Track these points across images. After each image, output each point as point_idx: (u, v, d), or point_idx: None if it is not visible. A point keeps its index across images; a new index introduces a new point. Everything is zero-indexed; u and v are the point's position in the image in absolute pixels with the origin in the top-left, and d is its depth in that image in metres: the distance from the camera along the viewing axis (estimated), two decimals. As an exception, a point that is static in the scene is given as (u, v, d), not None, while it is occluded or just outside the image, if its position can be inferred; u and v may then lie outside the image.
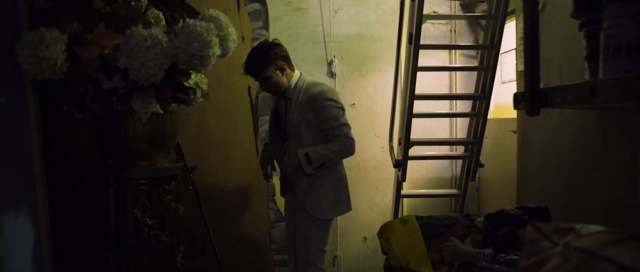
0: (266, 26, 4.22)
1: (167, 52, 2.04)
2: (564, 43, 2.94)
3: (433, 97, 3.94)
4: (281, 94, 3.01)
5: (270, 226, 4.17)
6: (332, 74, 4.32)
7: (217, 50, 2.13)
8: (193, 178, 4.03)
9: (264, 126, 4.20)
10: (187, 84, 2.29)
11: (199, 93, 2.45)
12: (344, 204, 3.12)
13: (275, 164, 3.31)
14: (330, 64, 4.32)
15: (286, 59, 2.96)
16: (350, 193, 3.22)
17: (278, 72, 2.91)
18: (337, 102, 2.95)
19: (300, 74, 3.06)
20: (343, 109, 2.97)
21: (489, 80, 3.33)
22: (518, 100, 2.05)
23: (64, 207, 2.36)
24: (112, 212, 2.26)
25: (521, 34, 3.41)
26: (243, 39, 4.21)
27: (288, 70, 2.97)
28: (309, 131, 2.93)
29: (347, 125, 2.94)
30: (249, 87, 4.18)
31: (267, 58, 2.87)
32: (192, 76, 2.56)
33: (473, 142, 3.53)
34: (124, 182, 2.32)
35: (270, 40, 3.10)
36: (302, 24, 4.30)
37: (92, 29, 2.13)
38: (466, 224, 2.53)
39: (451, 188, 4.44)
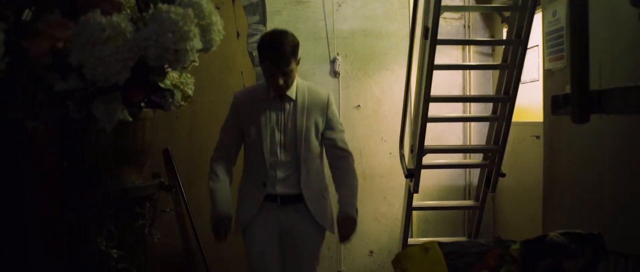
0: (263, 21, 3.83)
1: (133, 45, 1.60)
2: (605, 37, 2.51)
3: (452, 100, 3.50)
4: (281, 93, 2.54)
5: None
6: (335, 73, 3.89)
7: (197, 43, 1.68)
8: (183, 189, 3.63)
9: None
10: (162, 86, 1.85)
11: (178, 96, 2.01)
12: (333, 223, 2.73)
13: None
14: (333, 62, 3.89)
15: None
16: None
17: (297, 65, 2.51)
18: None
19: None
20: None
21: (514, 80, 2.89)
22: (558, 104, 1.67)
23: (15, 238, 1.91)
24: (66, 244, 1.82)
25: (549, 29, 2.98)
26: (238, 34, 3.80)
27: None
28: (316, 140, 2.58)
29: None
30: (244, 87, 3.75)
31: (294, 49, 2.45)
32: (173, 75, 2.13)
33: (494, 150, 3.09)
34: (85, 205, 1.88)
35: None
36: (302, 18, 3.88)
37: (43, 16, 1.69)
38: (499, 253, 2.09)
39: (465, 198, 4.00)
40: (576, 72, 1.42)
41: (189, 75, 2.46)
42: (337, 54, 3.90)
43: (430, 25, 2.73)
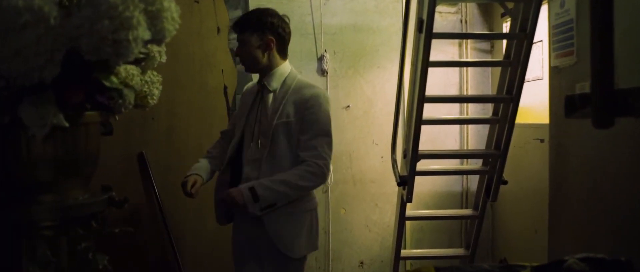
0: (246, 15, 3.49)
1: (59, 34, 1.28)
2: (624, 27, 2.19)
3: (450, 100, 3.17)
4: (259, 75, 2.35)
5: (250, 251, 3.41)
6: (323, 72, 3.58)
7: (143, 33, 1.35)
8: (159, 197, 3.30)
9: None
10: (107, 84, 1.52)
11: (131, 96, 1.67)
12: (315, 240, 2.39)
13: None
14: (320, 59, 3.58)
15: (280, 39, 2.31)
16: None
17: (260, 44, 2.26)
18: (329, 116, 2.29)
19: (291, 68, 2.37)
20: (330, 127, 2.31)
21: (517, 78, 2.56)
22: (574, 105, 1.40)
23: None
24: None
25: (556, 21, 2.66)
26: (219, 30, 3.48)
27: (275, 53, 2.30)
28: (287, 141, 2.24)
29: (330, 150, 2.26)
30: (226, 87, 3.45)
31: (257, 20, 2.27)
32: (132, 72, 1.80)
33: (495, 155, 2.77)
34: (15, 225, 1.55)
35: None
36: (287, 12, 3.43)
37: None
38: (506, 279, 1.76)
39: (463, 205, 3.69)
40: (598, 66, 1.18)
41: (155, 72, 2.15)
42: (325, 50, 3.58)
43: (425, 17, 2.40)
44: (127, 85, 1.67)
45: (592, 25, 1.20)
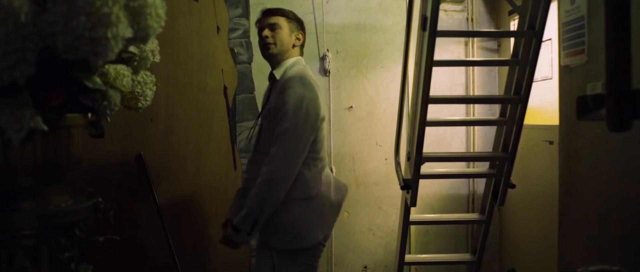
0: (247, 14, 3.44)
1: (31, 32, 1.18)
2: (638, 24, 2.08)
3: (455, 101, 3.06)
4: (271, 66, 2.44)
5: (251, 255, 3.35)
6: (325, 72, 3.48)
7: (123, 30, 1.25)
8: (157, 200, 3.21)
9: (244, 134, 3.38)
10: (90, 85, 1.43)
11: (116, 97, 1.58)
12: (311, 233, 2.30)
13: None
14: (322, 59, 3.48)
15: (302, 41, 2.50)
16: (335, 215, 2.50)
17: (291, 34, 2.41)
18: (298, 105, 2.20)
19: (298, 60, 2.44)
20: (303, 118, 2.21)
21: (526, 78, 2.45)
22: (587, 106, 1.31)
23: None
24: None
25: (566, 19, 2.54)
26: (218, 29, 3.39)
27: (297, 49, 2.47)
28: (269, 129, 2.29)
29: (292, 135, 2.17)
30: (225, 88, 3.37)
31: (293, 15, 2.47)
32: (124, 73, 1.71)
33: (503, 157, 2.65)
34: (-6, 235, 1.46)
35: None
36: (289, 11, 3.45)
37: None
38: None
39: (469, 209, 3.58)
40: (613, 65, 1.08)
41: (148, 73, 2.06)
42: (327, 50, 3.48)
43: (428, 14, 2.30)
44: (112, 86, 1.58)
45: (607, 21, 1.11)
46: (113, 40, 1.24)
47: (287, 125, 2.14)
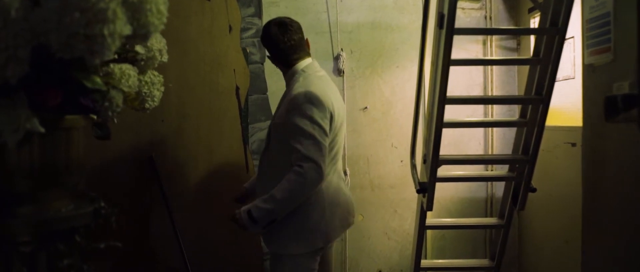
0: (259, 13, 3.37)
1: (22, 29, 1.12)
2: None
3: (474, 101, 2.95)
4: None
5: (263, 258, 3.28)
6: (339, 72, 3.39)
7: (121, 27, 1.18)
8: (170, 205, 3.15)
9: (256, 135, 3.30)
10: (88, 85, 1.36)
11: (118, 98, 1.51)
12: (305, 238, 2.21)
13: None
14: (336, 59, 3.39)
15: (280, 51, 2.32)
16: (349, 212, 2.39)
17: (268, 56, 2.40)
18: (311, 116, 2.12)
19: (305, 66, 2.33)
20: (320, 125, 2.12)
21: (548, 77, 2.34)
22: (616, 107, 1.21)
23: None
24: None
25: (591, 15, 2.42)
26: (231, 29, 3.32)
27: (283, 59, 2.34)
28: (278, 143, 2.23)
29: (313, 144, 2.08)
30: (237, 88, 3.29)
31: (262, 37, 2.38)
32: (129, 73, 1.64)
33: (524, 160, 2.54)
34: (-10, 241, 1.40)
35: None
36: (302, 10, 3.38)
37: None
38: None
39: (487, 212, 3.47)
40: None
41: (155, 73, 2.00)
42: (342, 49, 3.39)
43: (446, 11, 2.20)
44: (114, 86, 1.51)
45: None
46: (110, 38, 1.16)
47: (311, 141, 2.08)
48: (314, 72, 2.28)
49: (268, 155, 2.30)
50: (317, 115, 2.10)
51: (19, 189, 1.41)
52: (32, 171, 1.40)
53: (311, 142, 2.06)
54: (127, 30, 1.22)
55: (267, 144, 2.31)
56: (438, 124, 2.37)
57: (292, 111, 2.12)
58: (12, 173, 1.38)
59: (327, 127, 2.12)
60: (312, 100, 2.11)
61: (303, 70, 2.27)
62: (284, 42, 2.27)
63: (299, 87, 2.17)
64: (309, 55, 2.35)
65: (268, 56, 2.39)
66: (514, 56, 3.44)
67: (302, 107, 2.10)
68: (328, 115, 2.13)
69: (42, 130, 1.31)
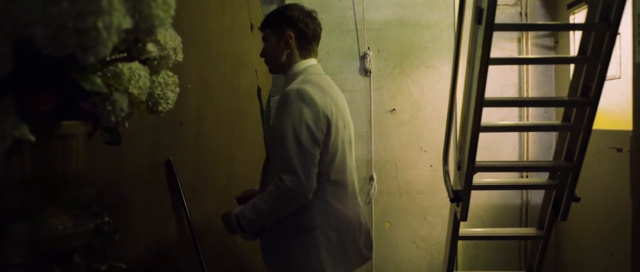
0: (282, 11, 3.13)
1: (3, 21, 0.94)
2: None
3: (514, 103, 2.73)
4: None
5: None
6: (365, 71, 3.18)
7: (118, 20, 0.99)
8: (189, 210, 2.99)
9: (278, 139, 3.10)
10: (87, 86, 1.18)
11: (123, 101, 1.33)
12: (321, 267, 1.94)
13: None
14: (363, 58, 3.19)
15: (301, 35, 2.02)
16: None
17: (279, 40, 2.03)
18: (299, 115, 1.86)
19: (308, 66, 2.04)
20: (308, 127, 1.85)
21: (596, 78, 2.10)
22: None
23: None
24: None
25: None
26: (252, 27, 3.15)
27: (295, 50, 2.03)
28: (272, 151, 1.98)
29: (297, 150, 1.83)
30: (259, 89, 3.12)
31: (277, 15, 2.06)
32: (140, 73, 1.47)
33: (567, 167, 2.31)
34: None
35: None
36: (327, 7, 3.18)
37: None
38: None
39: (521, 221, 3.23)
40: None
41: (170, 73, 1.83)
42: (368, 48, 3.18)
43: (485, 5, 1.98)
44: (117, 89, 1.33)
45: None
46: (105, 32, 0.97)
47: (294, 145, 1.83)
48: (316, 72, 2.04)
49: (266, 161, 2.07)
50: (307, 115, 1.84)
51: (10, 205, 1.23)
52: (25, 184, 1.22)
53: (295, 146, 1.82)
54: (126, 23, 1.03)
55: (267, 150, 2.13)
56: (475, 128, 2.14)
57: (280, 109, 1.89)
58: (1, 186, 1.20)
59: (317, 132, 1.84)
60: (304, 97, 1.86)
61: (305, 70, 2.01)
62: (307, 26, 2.02)
63: (293, 85, 1.93)
64: (316, 55, 2.10)
65: (263, 56, 2.12)
66: (552, 55, 3.19)
67: (291, 104, 1.85)
68: (322, 118, 1.86)
69: (33, 139, 1.13)
